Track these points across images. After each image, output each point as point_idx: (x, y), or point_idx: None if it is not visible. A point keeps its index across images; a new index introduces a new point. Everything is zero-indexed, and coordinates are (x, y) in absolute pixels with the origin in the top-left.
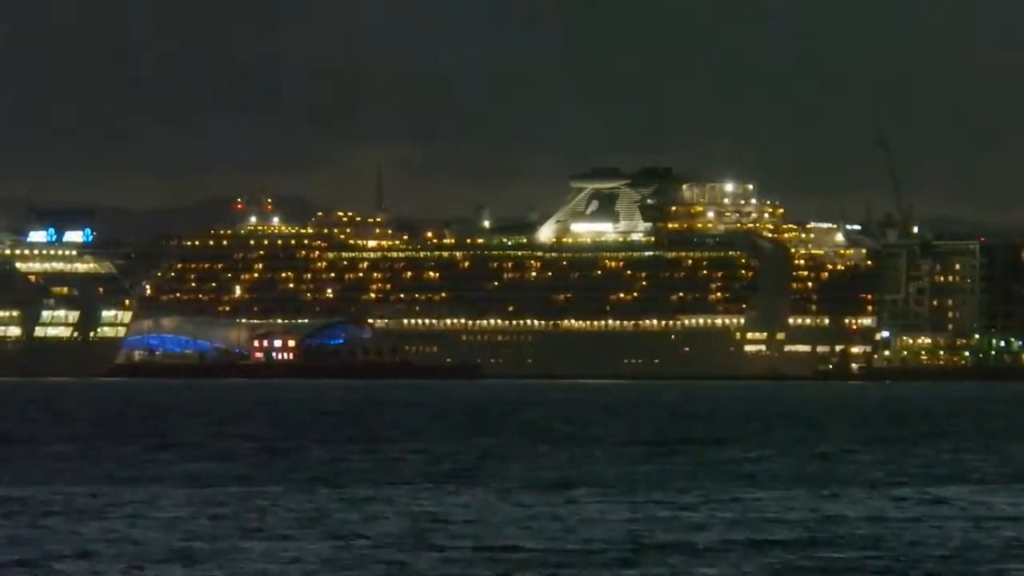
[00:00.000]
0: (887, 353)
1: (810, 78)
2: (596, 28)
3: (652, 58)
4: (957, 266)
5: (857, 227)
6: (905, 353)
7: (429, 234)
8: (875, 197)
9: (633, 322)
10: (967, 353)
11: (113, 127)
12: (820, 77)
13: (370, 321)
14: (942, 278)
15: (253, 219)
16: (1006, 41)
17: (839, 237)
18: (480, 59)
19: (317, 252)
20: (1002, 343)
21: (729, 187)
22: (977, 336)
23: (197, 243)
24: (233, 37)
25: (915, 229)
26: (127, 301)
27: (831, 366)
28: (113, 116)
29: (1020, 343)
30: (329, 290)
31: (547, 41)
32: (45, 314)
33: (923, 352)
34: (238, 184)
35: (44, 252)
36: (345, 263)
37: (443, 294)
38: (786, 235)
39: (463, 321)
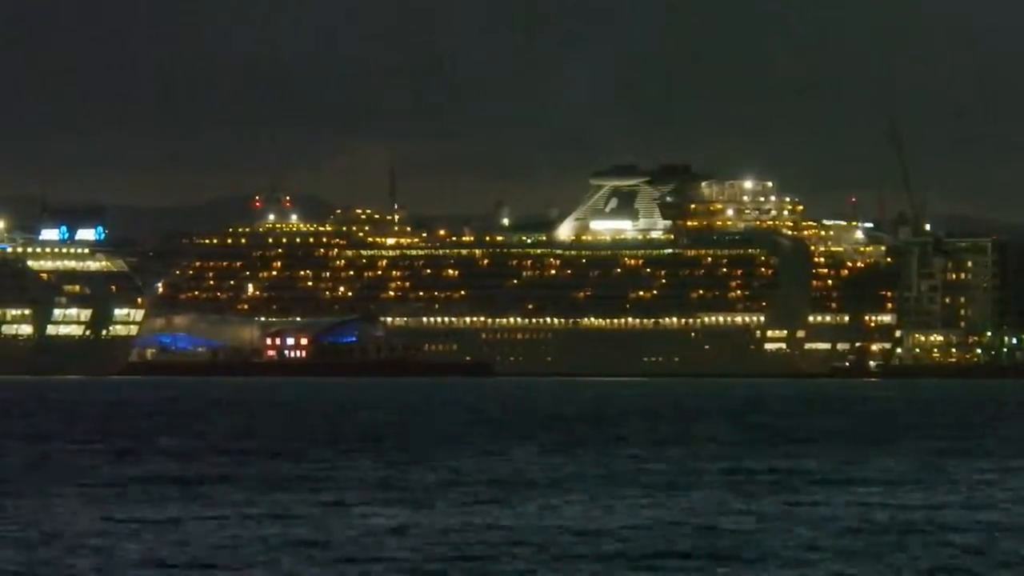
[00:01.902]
0: (898, 351)
1: (818, 75)
2: (608, 27)
3: (659, 58)
4: (969, 264)
5: (869, 225)
6: (918, 351)
7: (442, 232)
8: (888, 195)
9: (653, 320)
10: (979, 351)
11: (125, 125)
12: (830, 74)
13: (383, 319)
14: (954, 276)
15: (271, 217)
16: (1019, 40)
17: (859, 234)
18: (494, 56)
19: (336, 250)
20: (1014, 340)
21: (748, 184)
22: (989, 334)
23: (215, 241)
24: (237, 34)
25: (927, 227)
26: (139, 299)
27: (847, 364)
28: (125, 114)
29: None
30: (346, 287)
31: (560, 39)
32: (57, 312)
33: (935, 350)
34: (248, 182)
35: (56, 250)
36: (364, 261)
37: (462, 292)
38: (806, 232)
39: (482, 319)
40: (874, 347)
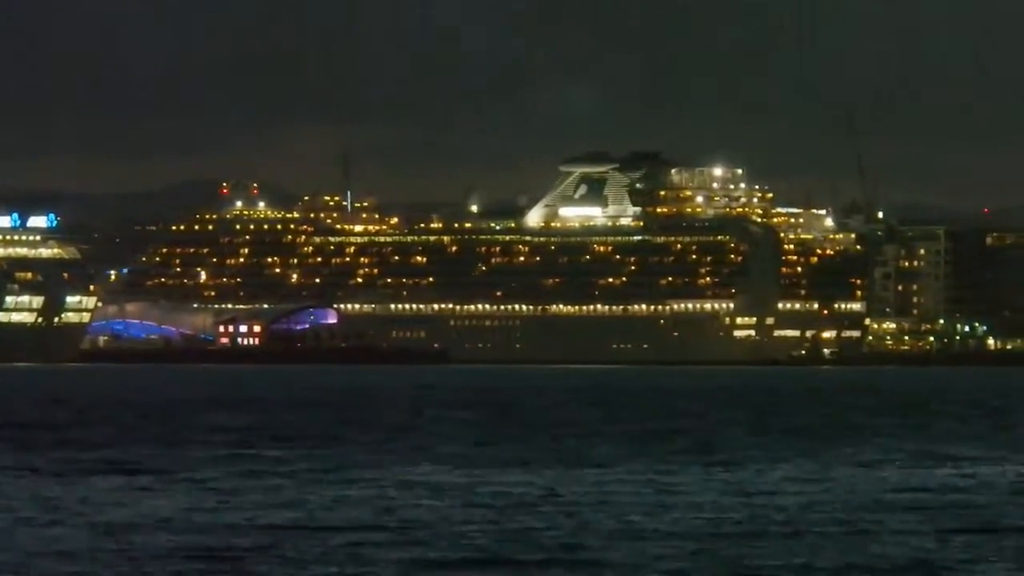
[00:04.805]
0: (856, 337)
1: (779, 63)
2: (580, 13)
3: (631, 43)
4: (922, 251)
5: (823, 212)
6: (871, 338)
7: (395, 220)
8: (841, 182)
9: (622, 307)
10: (932, 338)
11: (74, 112)
12: (790, 63)
13: (340, 306)
14: (907, 263)
15: (239, 203)
16: (979, 32)
17: (828, 222)
18: (464, 41)
19: (303, 236)
20: (967, 328)
21: (718, 171)
22: (942, 321)
23: (182, 228)
24: (193, 23)
25: (880, 215)
26: (92, 287)
27: (803, 351)
28: (77, 101)
29: (984, 328)
30: (313, 274)
31: (535, 25)
32: (9, 300)
33: (888, 337)
34: (202, 169)
35: (8, 237)
36: (331, 248)
37: (430, 279)
38: (775, 220)
39: (450, 306)
40: (843, 334)
